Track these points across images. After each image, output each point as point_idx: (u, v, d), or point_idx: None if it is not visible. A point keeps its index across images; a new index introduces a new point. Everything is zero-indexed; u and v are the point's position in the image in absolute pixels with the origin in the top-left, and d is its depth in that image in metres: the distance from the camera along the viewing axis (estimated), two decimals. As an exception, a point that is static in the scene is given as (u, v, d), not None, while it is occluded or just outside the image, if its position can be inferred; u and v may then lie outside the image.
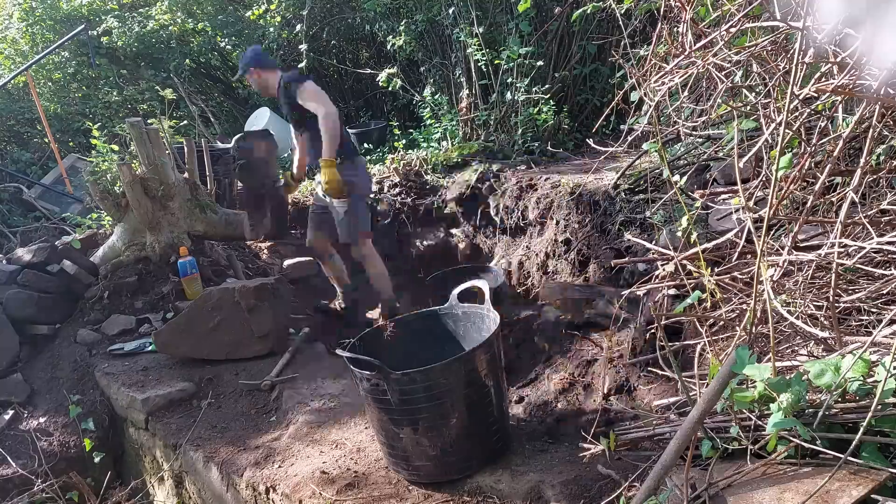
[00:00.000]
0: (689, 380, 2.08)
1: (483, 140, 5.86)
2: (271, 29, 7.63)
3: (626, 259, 3.15)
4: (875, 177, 2.13)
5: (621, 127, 2.91)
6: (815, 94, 1.87)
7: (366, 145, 7.03)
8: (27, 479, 3.38)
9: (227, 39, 7.94)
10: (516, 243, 5.02)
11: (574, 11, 5.05)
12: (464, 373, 2.42)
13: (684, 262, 2.22)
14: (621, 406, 2.77)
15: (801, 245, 2.17)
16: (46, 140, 7.38)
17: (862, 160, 1.89)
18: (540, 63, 5.71)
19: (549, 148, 5.54)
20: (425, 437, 2.41)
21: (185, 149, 4.67)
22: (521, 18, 5.65)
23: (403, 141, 6.76)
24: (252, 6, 7.88)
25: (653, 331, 2.87)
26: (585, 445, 2.20)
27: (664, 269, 2.33)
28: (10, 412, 3.77)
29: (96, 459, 3.68)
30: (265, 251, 5.44)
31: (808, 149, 1.97)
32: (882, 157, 2.12)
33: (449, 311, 2.94)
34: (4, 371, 3.95)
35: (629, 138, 2.82)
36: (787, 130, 1.86)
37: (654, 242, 3.23)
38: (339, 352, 2.50)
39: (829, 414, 1.60)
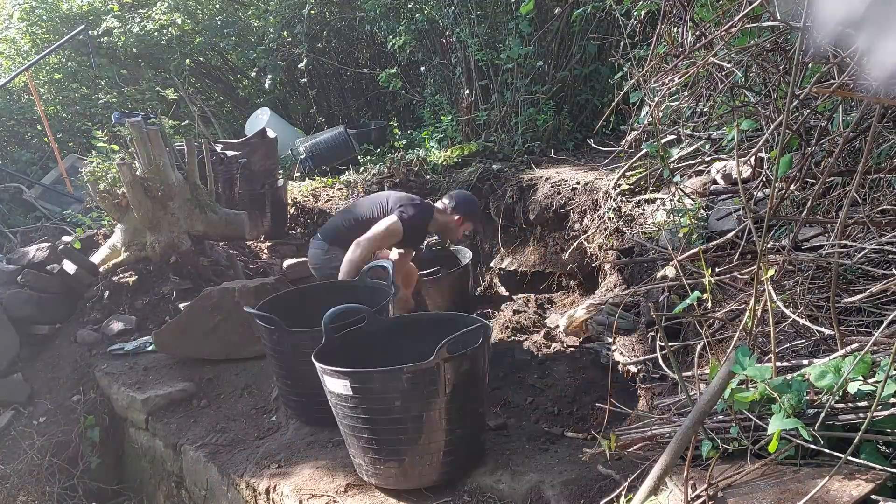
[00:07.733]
0: (688, 380, 2.08)
1: (483, 140, 5.86)
2: (271, 30, 7.63)
3: (627, 259, 3.15)
4: (875, 177, 2.13)
5: (621, 127, 2.91)
6: (815, 95, 1.88)
7: (365, 145, 7.03)
8: (27, 480, 3.38)
9: (226, 40, 7.93)
10: (516, 244, 5.02)
11: (574, 11, 5.05)
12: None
13: (685, 262, 2.22)
14: (621, 406, 2.77)
15: (802, 245, 2.17)
16: (46, 140, 7.37)
17: (862, 160, 1.89)
18: (540, 63, 5.70)
19: (549, 148, 5.54)
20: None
21: (185, 149, 4.67)
22: (522, 19, 5.65)
23: (403, 141, 6.75)
24: (251, 7, 7.88)
25: (653, 332, 2.87)
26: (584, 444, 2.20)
27: (664, 270, 2.33)
28: (11, 412, 3.77)
29: (97, 460, 3.67)
30: (265, 251, 5.43)
31: (808, 149, 1.97)
32: (882, 158, 2.12)
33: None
34: (4, 371, 3.95)
35: (629, 138, 2.82)
36: (787, 131, 1.86)
37: (654, 243, 3.23)
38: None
39: (830, 414, 1.60)
